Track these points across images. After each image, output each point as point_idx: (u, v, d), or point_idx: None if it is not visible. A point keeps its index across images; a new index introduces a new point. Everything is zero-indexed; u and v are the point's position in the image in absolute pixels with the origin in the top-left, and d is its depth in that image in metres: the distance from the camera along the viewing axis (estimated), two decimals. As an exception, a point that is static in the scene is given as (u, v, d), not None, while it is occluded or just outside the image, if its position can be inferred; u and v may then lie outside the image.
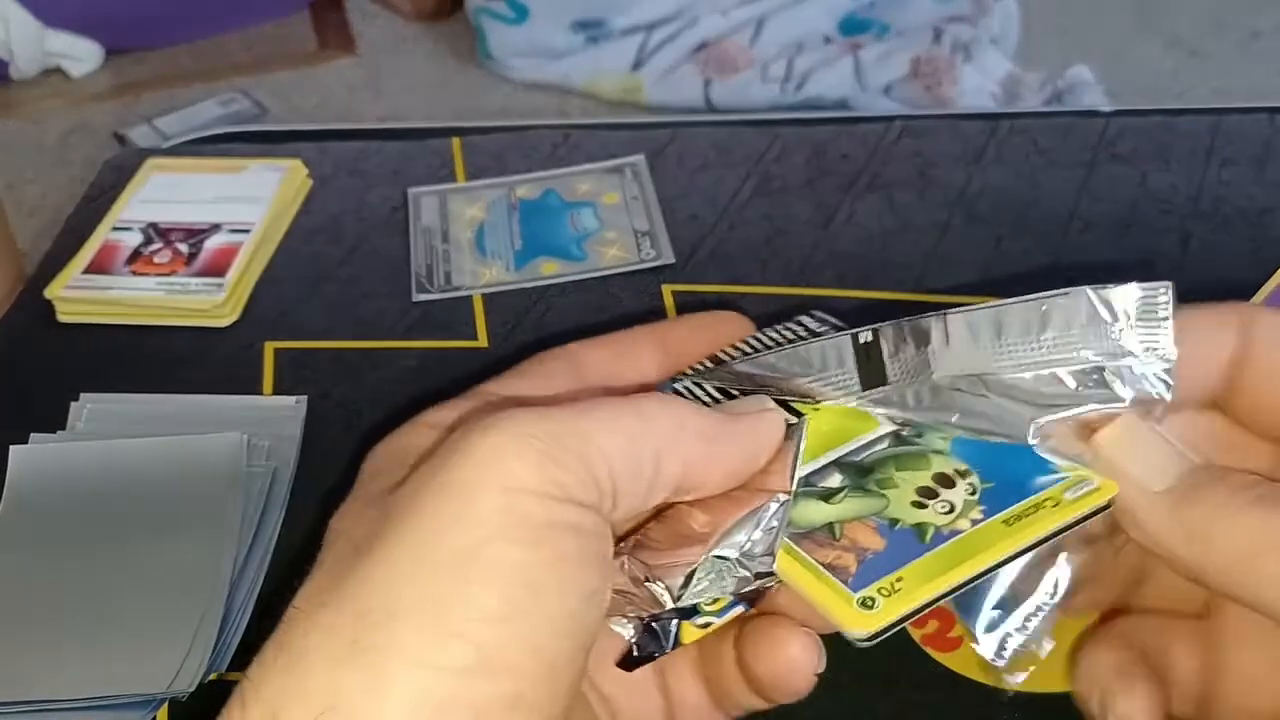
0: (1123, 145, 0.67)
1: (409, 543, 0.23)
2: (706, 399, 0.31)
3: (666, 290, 0.59)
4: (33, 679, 0.42)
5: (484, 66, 1.72)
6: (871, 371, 0.30)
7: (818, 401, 0.30)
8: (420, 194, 0.66)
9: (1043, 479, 0.29)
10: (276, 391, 0.54)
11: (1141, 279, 0.28)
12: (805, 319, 0.34)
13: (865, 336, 0.30)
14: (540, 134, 0.70)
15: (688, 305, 0.58)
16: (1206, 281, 0.58)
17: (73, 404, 0.53)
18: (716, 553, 0.27)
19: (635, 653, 0.27)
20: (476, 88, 1.72)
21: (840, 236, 0.62)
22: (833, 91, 1.52)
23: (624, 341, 0.31)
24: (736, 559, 0.27)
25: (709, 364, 0.32)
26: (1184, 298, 0.59)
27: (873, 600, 0.27)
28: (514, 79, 1.69)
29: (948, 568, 0.27)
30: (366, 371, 0.55)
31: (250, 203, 0.64)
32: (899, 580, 0.27)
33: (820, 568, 0.27)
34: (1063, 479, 0.28)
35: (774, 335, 0.33)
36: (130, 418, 0.52)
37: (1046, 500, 0.28)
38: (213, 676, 0.42)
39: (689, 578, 0.27)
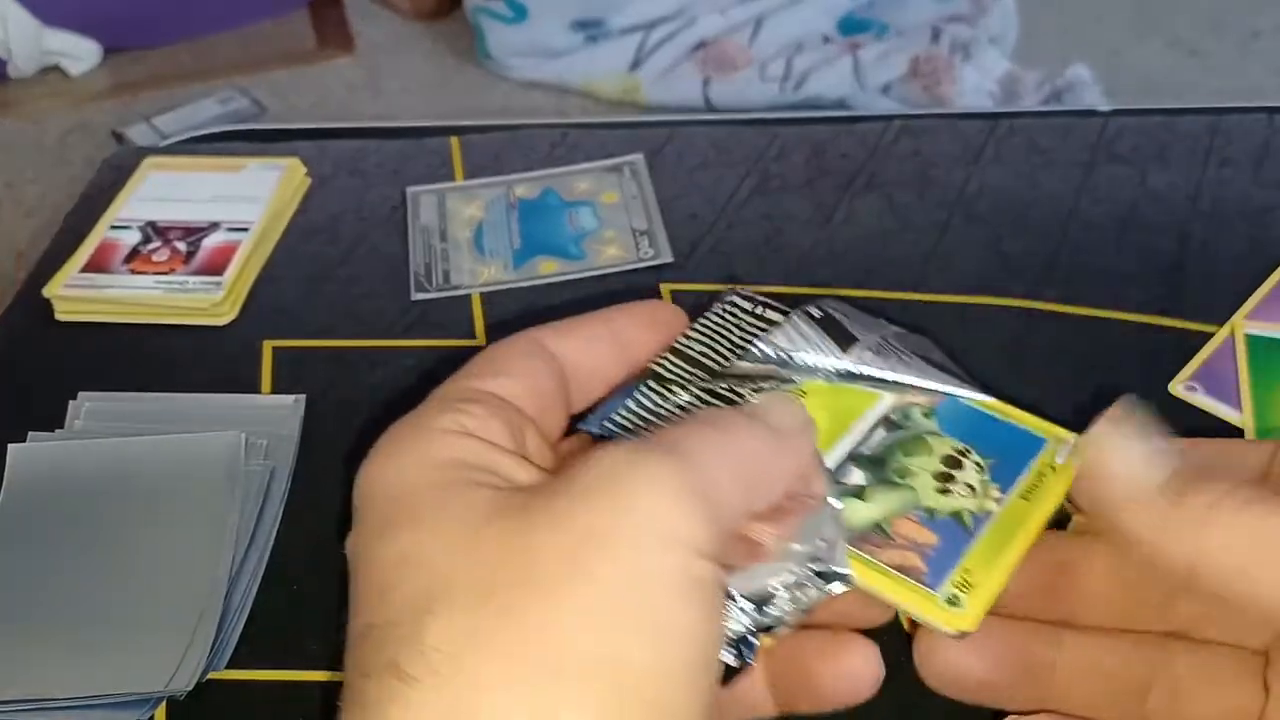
0: (1122, 145, 0.67)
1: (579, 594, 0.22)
2: (682, 405, 0.31)
3: (665, 289, 0.59)
4: (30, 677, 0.42)
5: (483, 66, 1.72)
6: (839, 335, 0.32)
7: (802, 387, 0.32)
8: (419, 193, 0.66)
9: (1028, 444, 0.31)
10: (275, 390, 0.54)
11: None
12: (736, 299, 0.36)
13: (815, 311, 0.33)
14: (539, 133, 0.70)
15: (687, 304, 0.58)
16: (1205, 281, 0.58)
17: (70, 403, 0.53)
18: (791, 566, 0.28)
19: (727, 672, 0.27)
20: (475, 87, 1.72)
21: (839, 236, 0.62)
22: (832, 91, 1.52)
23: (584, 330, 0.31)
24: (811, 571, 0.28)
25: (671, 360, 0.33)
26: (1184, 297, 0.60)
27: (957, 597, 0.28)
28: (513, 78, 1.69)
29: (1001, 550, 0.29)
30: (365, 370, 0.55)
31: (248, 201, 0.64)
32: (967, 572, 0.29)
33: (893, 571, 0.29)
34: (1044, 443, 0.31)
35: (712, 323, 0.35)
36: (128, 416, 0.52)
37: (1044, 467, 0.31)
38: (210, 675, 0.42)
39: (769, 595, 0.27)
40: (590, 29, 1.63)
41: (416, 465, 0.26)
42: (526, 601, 0.22)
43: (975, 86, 1.48)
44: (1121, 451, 0.26)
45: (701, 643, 0.23)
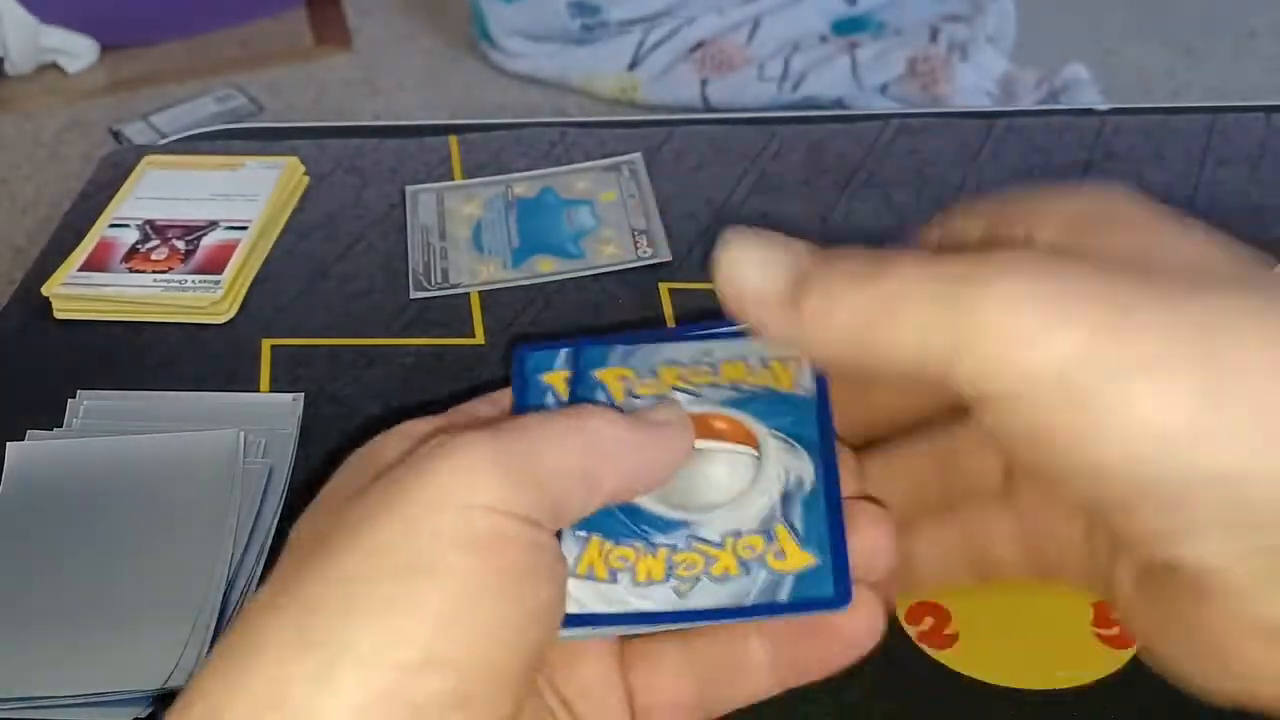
0: (1119, 144, 0.67)
1: (363, 547, 0.24)
2: None
3: (663, 288, 0.59)
4: (30, 675, 0.42)
5: (482, 52, 1.72)
6: None
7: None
8: (418, 191, 0.66)
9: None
10: (273, 388, 0.54)
11: None
12: None
13: None
14: (538, 132, 0.70)
15: (684, 303, 0.58)
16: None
17: (70, 401, 0.53)
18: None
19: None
20: (473, 84, 1.72)
21: (837, 235, 0.62)
22: (829, 90, 1.52)
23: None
24: None
25: None
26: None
27: None
28: (509, 70, 1.69)
29: None
30: (363, 369, 0.55)
31: (247, 200, 0.64)
32: None
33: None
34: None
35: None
36: (127, 414, 0.52)
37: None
38: (210, 673, 0.42)
39: None
40: (587, 15, 1.63)
41: (359, 461, 0.29)
42: (321, 553, 0.24)
43: (973, 86, 1.48)
44: (748, 260, 0.27)
45: (486, 595, 0.24)
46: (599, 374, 0.31)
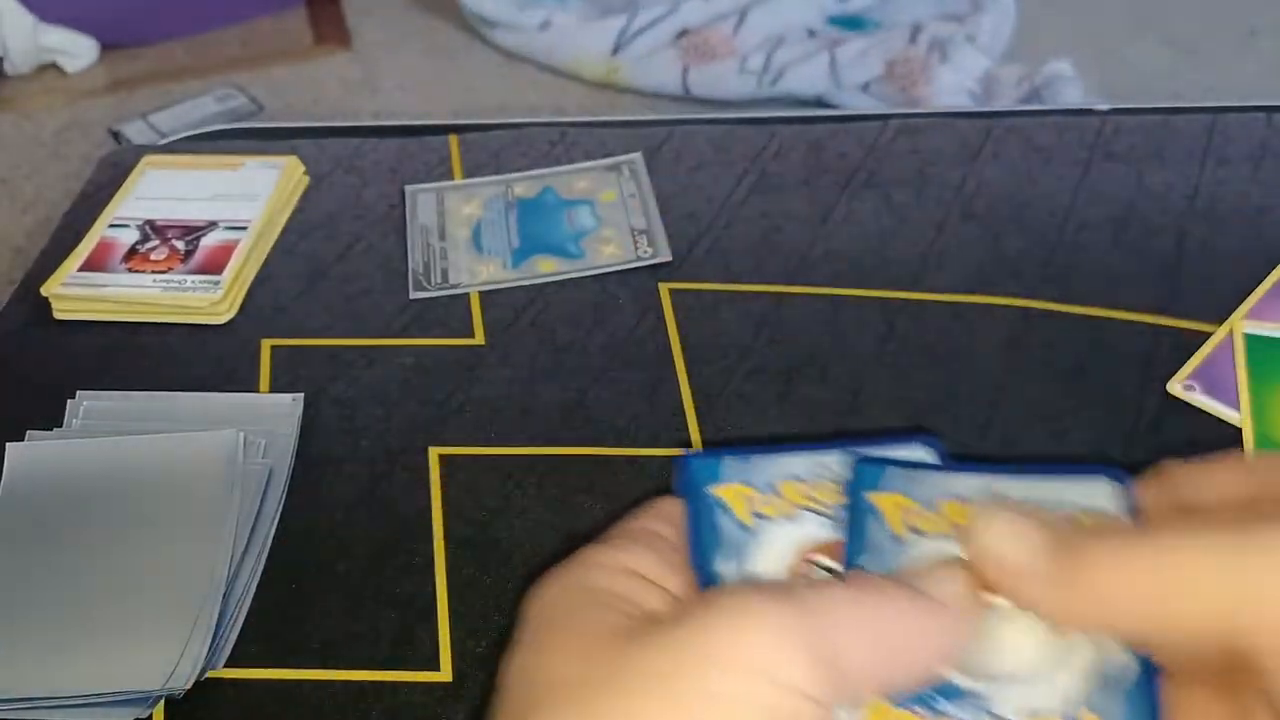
0: (1119, 144, 0.67)
1: (657, 707, 0.24)
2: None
3: (664, 288, 0.59)
4: (30, 676, 0.42)
5: (474, 28, 1.72)
6: None
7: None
8: (417, 191, 0.66)
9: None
10: (273, 389, 0.54)
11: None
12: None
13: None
14: (538, 132, 0.70)
15: (685, 304, 0.58)
16: (1203, 280, 0.58)
17: (69, 401, 0.53)
18: None
19: None
20: (473, 84, 1.72)
21: (837, 234, 0.62)
22: (808, 88, 1.52)
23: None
24: None
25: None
26: (1182, 296, 0.60)
27: None
28: (495, 43, 1.69)
29: None
30: (363, 369, 0.55)
31: (247, 200, 0.64)
32: None
33: None
34: None
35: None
36: (127, 415, 0.52)
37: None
38: (209, 674, 0.42)
39: None
40: None
41: (565, 591, 0.29)
42: (607, 705, 0.24)
43: (954, 86, 1.48)
44: (1000, 533, 0.27)
45: None
46: (872, 497, 0.29)
